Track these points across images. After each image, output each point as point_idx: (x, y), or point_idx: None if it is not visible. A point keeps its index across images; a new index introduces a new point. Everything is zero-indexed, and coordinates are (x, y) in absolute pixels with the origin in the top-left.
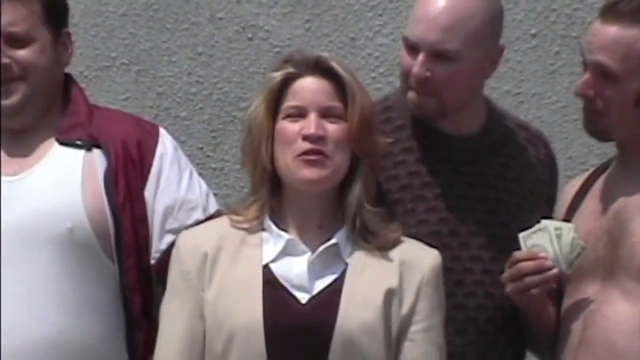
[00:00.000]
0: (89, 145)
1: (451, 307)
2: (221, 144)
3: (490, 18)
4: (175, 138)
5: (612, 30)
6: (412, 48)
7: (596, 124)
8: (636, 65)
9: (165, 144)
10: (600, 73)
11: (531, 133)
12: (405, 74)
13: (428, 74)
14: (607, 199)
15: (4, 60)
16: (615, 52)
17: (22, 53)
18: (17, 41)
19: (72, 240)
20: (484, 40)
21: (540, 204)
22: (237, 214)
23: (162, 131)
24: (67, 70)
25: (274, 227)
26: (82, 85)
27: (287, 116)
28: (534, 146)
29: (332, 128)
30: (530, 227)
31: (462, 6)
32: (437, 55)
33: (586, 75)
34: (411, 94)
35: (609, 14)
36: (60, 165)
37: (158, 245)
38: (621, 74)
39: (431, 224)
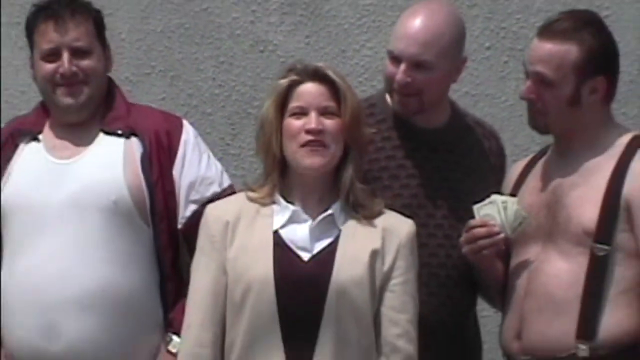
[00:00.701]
0: (127, 134)
1: (423, 268)
2: (239, 134)
3: (457, 35)
4: (202, 130)
5: (548, 46)
6: (395, 59)
7: (538, 121)
8: (567, 74)
9: (188, 132)
10: (540, 81)
11: (486, 129)
12: (390, 80)
13: (409, 79)
14: (546, 178)
15: (73, 68)
16: (551, 63)
17: (85, 62)
18: (81, 53)
19: (116, 210)
20: (452, 53)
21: (491, 185)
22: (253, 191)
23: (185, 122)
24: (117, 76)
25: (282, 201)
26: (128, 87)
27: (293, 114)
28: (487, 139)
29: (329, 123)
30: (483, 200)
31: (436, 26)
32: (416, 65)
33: (528, 83)
34: (395, 96)
35: (545, 32)
36: (105, 151)
37: (184, 213)
38: (556, 80)
39: (404, 198)
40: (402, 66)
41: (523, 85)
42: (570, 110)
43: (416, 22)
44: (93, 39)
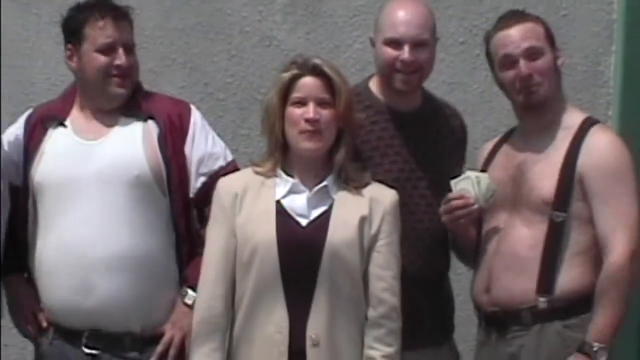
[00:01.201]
0: (145, 118)
1: (407, 230)
2: (247, 118)
3: (434, 16)
4: (216, 114)
5: (520, 27)
6: (395, 44)
7: (536, 95)
8: (545, 42)
9: (196, 115)
10: (531, 54)
11: (450, 109)
12: (390, 63)
13: (413, 58)
14: (512, 156)
15: (130, 62)
16: (533, 36)
17: (133, 58)
18: (130, 49)
19: (138, 183)
20: (435, 31)
21: (457, 158)
22: (258, 166)
23: (192, 107)
24: (143, 67)
25: (283, 174)
26: (152, 77)
27: (293, 104)
28: (453, 118)
29: (325, 113)
30: (458, 176)
31: (422, 11)
32: (416, 44)
33: (522, 63)
34: (398, 76)
35: (508, 22)
36: (126, 132)
37: (195, 184)
38: (543, 48)
39: (393, 173)
40: (406, 47)
41: (491, 75)
42: (554, 76)
43: (408, 10)
44: (133, 38)
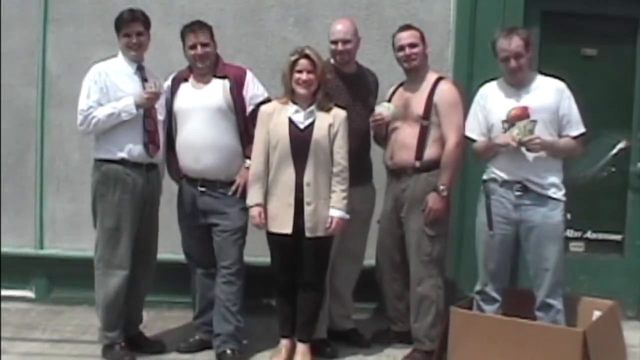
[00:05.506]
0: (223, 77)
1: (351, 130)
2: (275, 76)
3: (355, 26)
4: (260, 75)
5: (408, 32)
6: (336, 42)
7: (413, 64)
8: (420, 40)
9: (249, 75)
10: (412, 45)
11: (370, 71)
12: (334, 51)
13: (343, 48)
14: (404, 93)
15: (202, 52)
16: (414, 36)
17: (207, 49)
18: (205, 45)
19: (219, 110)
20: (356, 34)
21: (374, 95)
22: (280, 100)
23: (248, 70)
24: (224, 52)
25: (291, 104)
26: (229, 59)
27: (296, 71)
28: (371, 75)
29: (310, 76)
30: (379, 104)
31: (348, 24)
32: (344, 42)
33: (407, 49)
34: (338, 56)
35: (402, 29)
36: (214, 85)
37: (248, 109)
38: (419, 43)
39: (345, 103)
40: (339, 43)
41: (394, 55)
42: (423, 56)
43: (343, 24)
44: (210, 39)
